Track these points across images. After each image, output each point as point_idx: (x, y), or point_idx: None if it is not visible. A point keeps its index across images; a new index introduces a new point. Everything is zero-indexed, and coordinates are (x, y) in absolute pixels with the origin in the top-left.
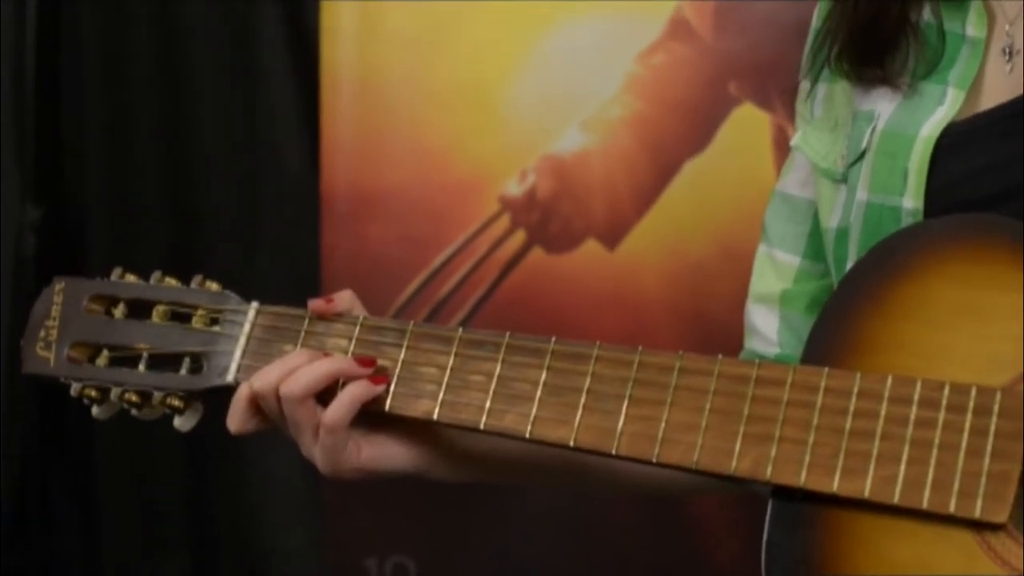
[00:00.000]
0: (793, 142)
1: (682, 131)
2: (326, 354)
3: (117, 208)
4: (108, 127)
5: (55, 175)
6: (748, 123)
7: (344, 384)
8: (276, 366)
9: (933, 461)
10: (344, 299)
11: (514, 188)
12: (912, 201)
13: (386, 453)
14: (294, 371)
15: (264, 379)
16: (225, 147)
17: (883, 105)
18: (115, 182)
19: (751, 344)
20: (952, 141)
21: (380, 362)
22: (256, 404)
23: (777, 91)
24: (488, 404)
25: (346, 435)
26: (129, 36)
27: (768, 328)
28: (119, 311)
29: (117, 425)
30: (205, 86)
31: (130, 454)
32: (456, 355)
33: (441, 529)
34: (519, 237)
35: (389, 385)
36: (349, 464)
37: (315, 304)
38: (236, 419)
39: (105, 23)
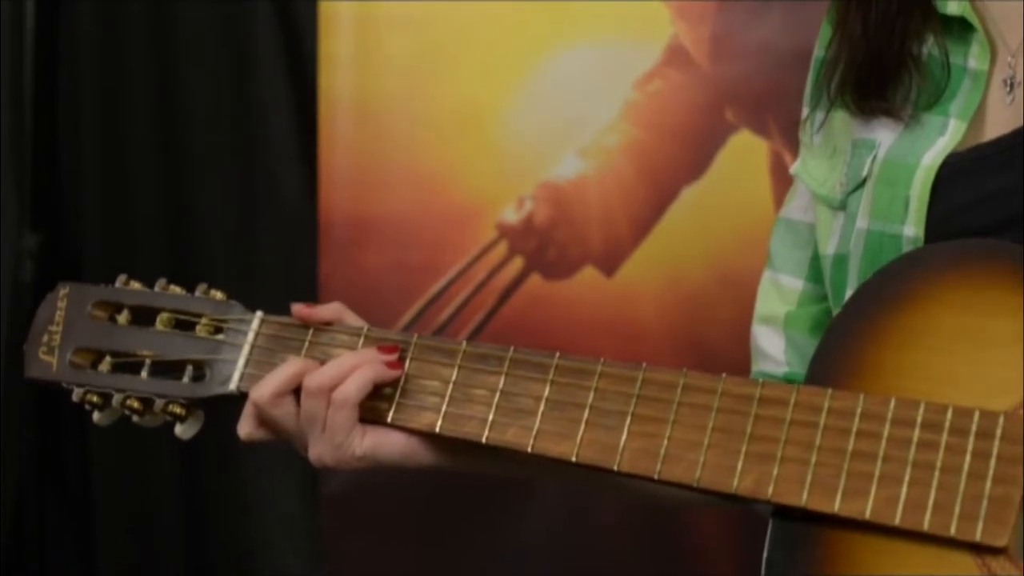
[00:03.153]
0: (793, 169)
1: (679, 158)
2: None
3: (115, 234)
4: (106, 154)
5: (53, 201)
6: (745, 150)
7: None
8: (273, 376)
9: (935, 483)
10: (329, 310)
11: (512, 215)
12: (913, 229)
13: (387, 440)
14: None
15: (262, 390)
16: (223, 174)
17: (884, 134)
18: (113, 208)
19: (759, 366)
20: (953, 170)
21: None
22: (261, 416)
23: (774, 118)
24: (491, 417)
25: (354, 414)
26: (127, 64)
27: (774, 349)
28: (123, 317)
29: (113, 448)
30: (203, 113)
31: (126, 480)
32: (460, 368)
33: (438, 554)
34: (517, 264)
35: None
36: (352, 452)
37: (298, 308)
38: (246, 425)
39: (103, 51)
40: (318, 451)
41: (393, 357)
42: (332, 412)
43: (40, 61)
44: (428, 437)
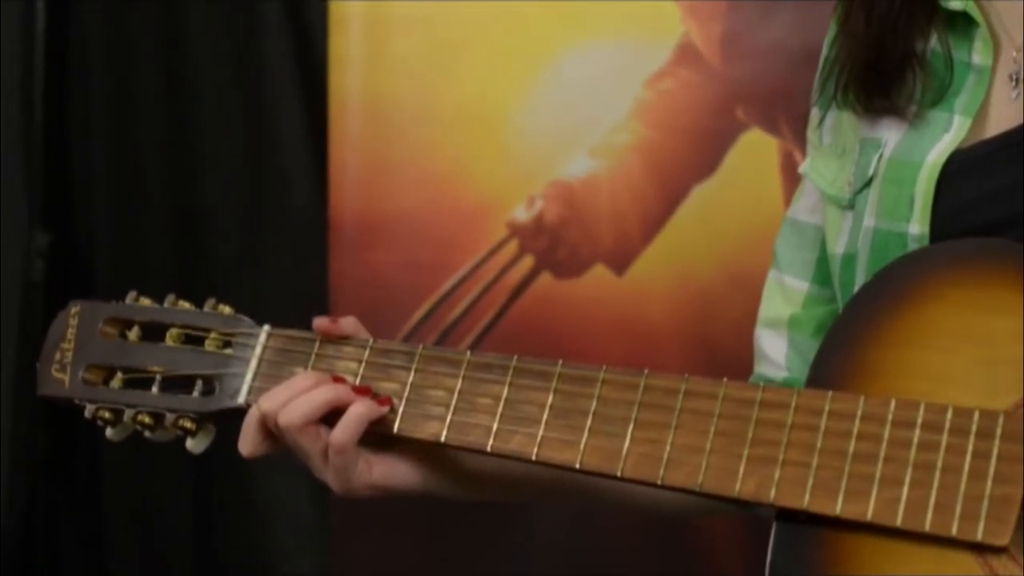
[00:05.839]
0: (801, 169)
1: (689, 156)
2: (335, 377)
3: (125, 235)
4: (116, 154)
5: (64, 201)
6: (756, 148)
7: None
8: (283, 388)
9: (936, 484)
10: (349, 323)
11: (522, 214)
12: (918, 227)
13: (397, 471)
14: (296, 397)
15: (271, 401)
16: (233, 174)
17: (890, 133)
18: (123, 208)
19: (760, 369)
20: (957, 168)
21: (389, 385)
22: (266, 427)
23: (785, 116)
24: (495, 426)
25: (355, 454)
26: (137, 64)
27: (776, 352)
28: (133, 334)
29: (123, 452)
30: (213, 114)
31: (136, 483)
32: (464, 378)
33: (449, 555)
34: (527, 262)
35: (395, 407)
36: (361, 482)
37: (320, 322)
38: (247, 443)
39: (112, 52)
40: (323, 479)
41: (367, 398)
42: (332, 455)
43: (51, 62)
44: (437, 467)
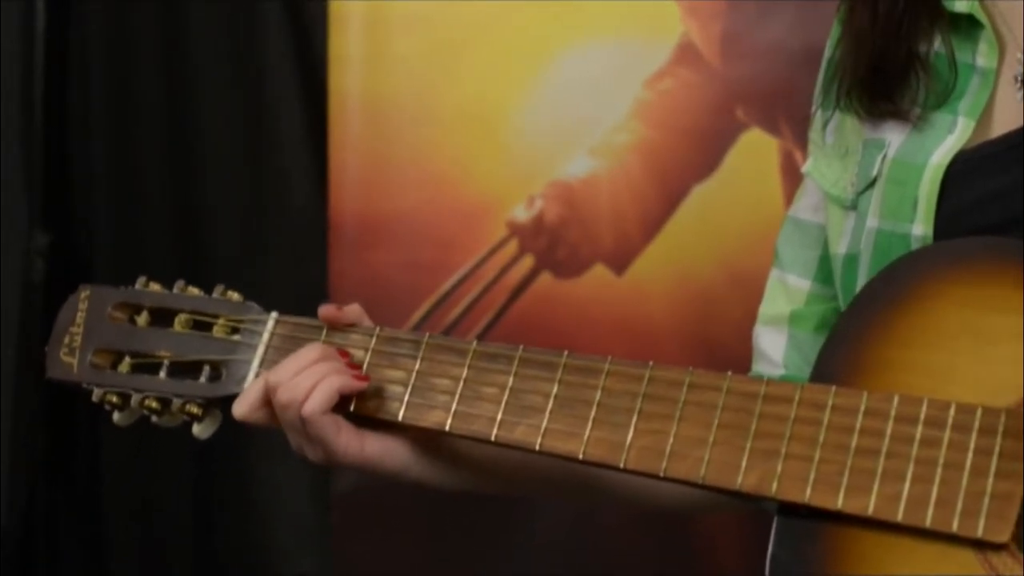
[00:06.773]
0: (804, 168)
1: (690, 156)
2: (341, 351)
3: (125, 235)
4: (116, 154)
5: (64, 201)
6: (756, 148)
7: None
8: (290, 362)
9: (937, 480)
10: (353, 311)
11: (522, 213)
12: (922, 228)
13: (391, 451)
14: (302, 371)
15: (277, 375)
16: (233, 174)
17: (893, 134)
18: (123, 208)
19: (758, 367)
20: (961, 169)
21: (395, 373)
22: (267, 397)
23: (785, 116)
24: (500, 416)
25: (328, 422)
26: (137, 64)
27: (774, 350)
28: (142, 319)
29: (123, 447)
30: (213, 113)
31: (136, 483)
32: (470, 367)
33: (449, 555)
34: (527, 262)
35: (374, 390)
36: (343, 455)
37: (325, 310)
38: (245, 404)
39: (112, 51)
40: (310, 454)
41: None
42: (305, 425)
43: (50, 62)
44: (434, 453)
